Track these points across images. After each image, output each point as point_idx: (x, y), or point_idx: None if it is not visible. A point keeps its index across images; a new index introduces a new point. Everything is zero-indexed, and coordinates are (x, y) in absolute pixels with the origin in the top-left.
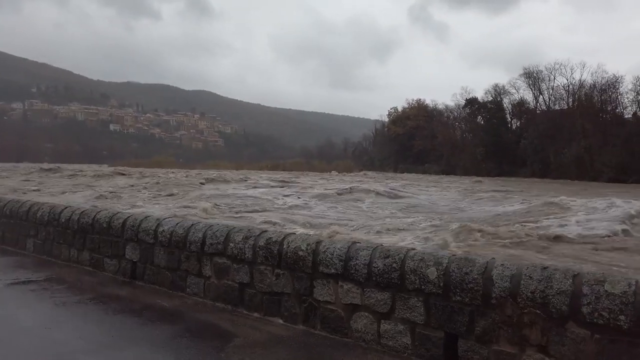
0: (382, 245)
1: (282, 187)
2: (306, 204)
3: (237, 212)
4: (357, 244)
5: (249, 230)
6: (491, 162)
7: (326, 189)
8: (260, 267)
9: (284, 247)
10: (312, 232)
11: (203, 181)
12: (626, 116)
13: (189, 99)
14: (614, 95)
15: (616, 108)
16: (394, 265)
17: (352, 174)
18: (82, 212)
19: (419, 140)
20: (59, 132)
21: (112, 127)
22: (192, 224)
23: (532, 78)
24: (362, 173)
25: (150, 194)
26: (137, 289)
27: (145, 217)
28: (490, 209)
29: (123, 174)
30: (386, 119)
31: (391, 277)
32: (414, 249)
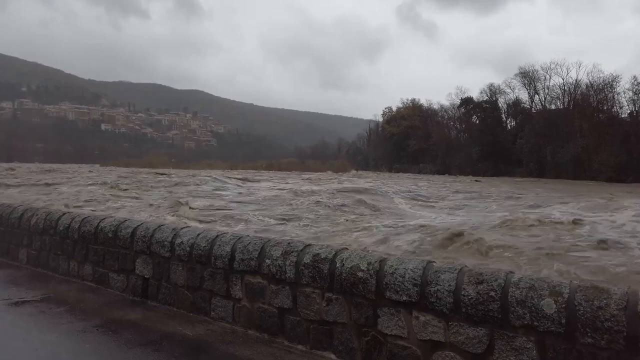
0: (465, 266)
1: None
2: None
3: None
4: (434, 264)
5: (289, 244)
6: (487, 162)
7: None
8: (306, 290)
9: (337, 265)
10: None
11: None
12: (622, 116)
13: (181, 99)
14: (610, 95)
15: (612, 107)
16: (492, 293)
17: (349, 173)
18: (84, 219)
19: (414, 140)
20: (49, 132)
21: (103, 126)
22: (217, 235)
23: (528, 77)
24: (358, 173)
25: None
26: (150, 311)
27: (159, 227)
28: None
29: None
30: (380, 119)
31: (488, 309)
32: (512, 272)
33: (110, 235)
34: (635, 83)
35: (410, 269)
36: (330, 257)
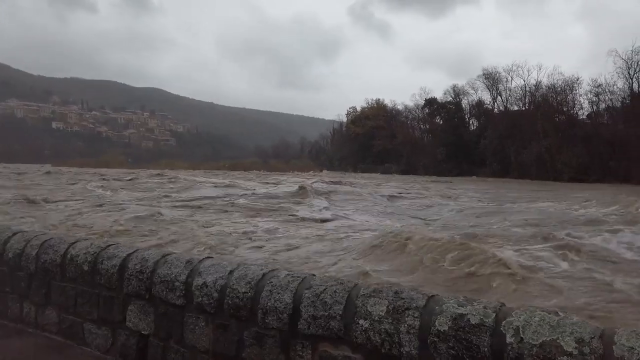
0: None
1: None
2: None
3: None
4: None
5: (396, 293)
6: (451, 162)
7: None
8: None
9: (507, 339)
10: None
11: None
12: (582, 117)
13: (138, 97)
14: (570, 97)
15: (573, 109)
16: None
17: (314, 174)
18: (44, 242)
19: (379, 140)
20: None
21: (54, 124)
22: (264, 275)
23: (490, 79)
24: (324, 173)
25: None
26: None
27: (164, 257)
28: None
29: None
30: (344, 119)
31: None
32: None
33: (85, 268)
34: (595, 85)
35: None
36: (490, 324)
